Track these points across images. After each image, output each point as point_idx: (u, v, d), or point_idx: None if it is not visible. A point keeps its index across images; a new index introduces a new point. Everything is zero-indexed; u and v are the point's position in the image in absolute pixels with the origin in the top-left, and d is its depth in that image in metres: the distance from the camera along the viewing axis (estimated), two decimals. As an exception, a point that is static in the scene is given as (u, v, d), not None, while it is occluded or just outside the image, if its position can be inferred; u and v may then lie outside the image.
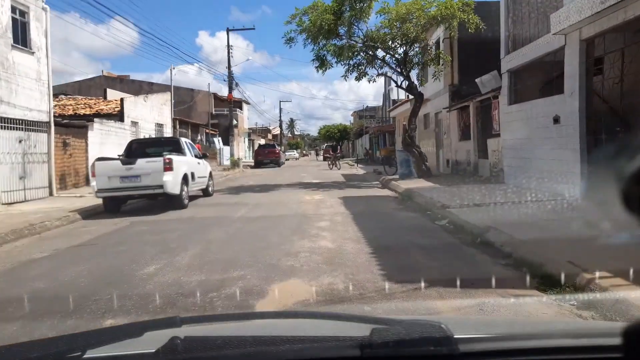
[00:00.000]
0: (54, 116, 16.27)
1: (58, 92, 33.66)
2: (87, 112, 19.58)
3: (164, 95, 24.50)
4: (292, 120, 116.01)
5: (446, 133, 18.48)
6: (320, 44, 16.29)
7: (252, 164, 34.92)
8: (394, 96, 47.27)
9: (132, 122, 20.51)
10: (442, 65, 16.35)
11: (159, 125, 23.67)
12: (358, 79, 17.06)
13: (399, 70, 16.13)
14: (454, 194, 10.70)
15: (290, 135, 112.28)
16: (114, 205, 10.75)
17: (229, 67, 29.69)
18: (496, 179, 13.10)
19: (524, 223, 6.71)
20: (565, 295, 3.73)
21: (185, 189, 11.08)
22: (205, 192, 13.41)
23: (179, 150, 11.81)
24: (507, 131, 12.28)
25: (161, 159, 10.26)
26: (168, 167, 10.28)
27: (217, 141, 34.01)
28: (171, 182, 10.33)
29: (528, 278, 4.13)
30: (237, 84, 31.45)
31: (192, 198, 12.72)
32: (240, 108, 46.41)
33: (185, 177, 11.11)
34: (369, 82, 17.57)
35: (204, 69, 78.32)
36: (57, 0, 65.54)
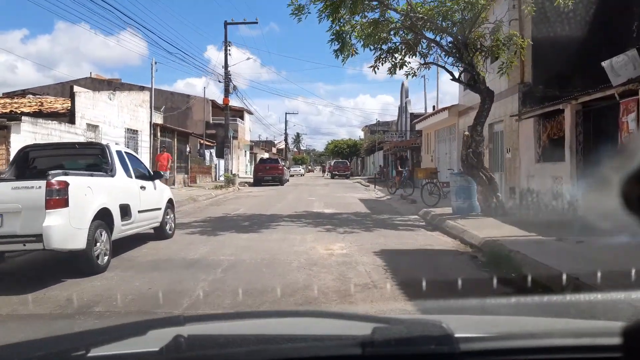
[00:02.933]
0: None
1: (29, 93, 29.27)
2: (27, 111, 14.75)
3: (140, 94, 19.68)
4: (298, 135, 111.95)
5: (510, 151, 13.47)
6: (342, 20, 11.43)
7: (252, 180, 29.97)
8: (412, 109, 42.44)
9: (89, 125, 15.64)
10: (516, 54, 11.41)
11: (132, 132, 18.83)
12: (392, 71, 12.15)
13: (457, 56, 11.14)
14: (611, 264, 5.66)
15: (295, 150, 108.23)
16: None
17: (226, 66, 24.95)
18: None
19: None
20: None
21: (104, 237, 6.07)
22: (159, 233, 8.43)
23: (102, 165, 6.86)
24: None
25: (42, 183, 5.26)
26: (57, 199, 5.27)
27: (209, 154, 29.17)
28: (61, 229, 5.31)
29: None
30: (235, 88, 26.68)
31: (136, 242, 7.78)
32: (242, 118, 41.70)
33: (104, 216, 6.13)
34: (407, 76, 12.60)
35: (204, 71, 72.30)
36: (65, 11, 61.95)
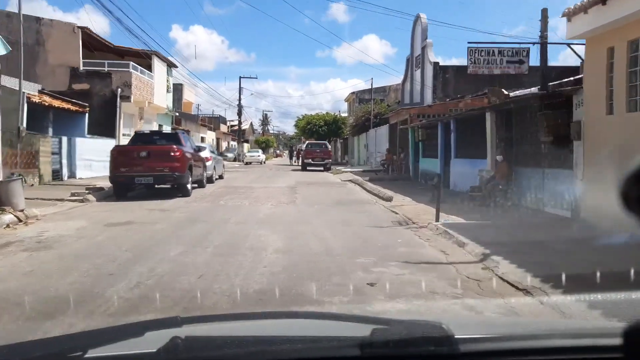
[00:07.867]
0: None
1: None
2: None
3: None
4: (265, 116, 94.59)
5: None
6: None
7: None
8: (435, 55, 26.05)
9: None
10: None
11: None
12: None
13: None
14: None
15: (261, 132, 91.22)
16: None
17: None
18: None
19: None
20: None
21: None
22: None
23: None
24: None
25: None
26: None
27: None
28: None
29: None
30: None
31: None
32: (149, 69, 24.30)
33: None
34: None
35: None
36: None
